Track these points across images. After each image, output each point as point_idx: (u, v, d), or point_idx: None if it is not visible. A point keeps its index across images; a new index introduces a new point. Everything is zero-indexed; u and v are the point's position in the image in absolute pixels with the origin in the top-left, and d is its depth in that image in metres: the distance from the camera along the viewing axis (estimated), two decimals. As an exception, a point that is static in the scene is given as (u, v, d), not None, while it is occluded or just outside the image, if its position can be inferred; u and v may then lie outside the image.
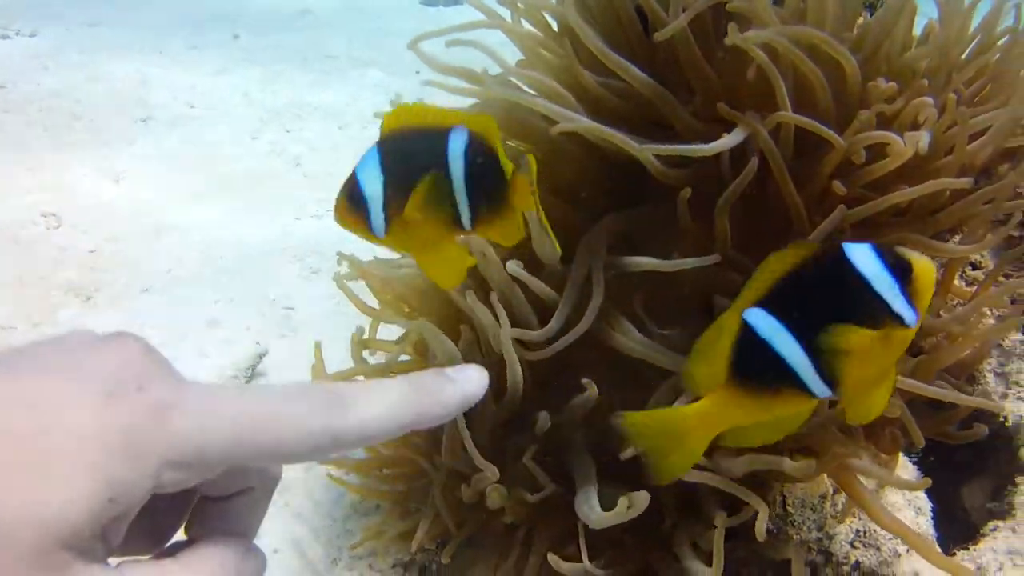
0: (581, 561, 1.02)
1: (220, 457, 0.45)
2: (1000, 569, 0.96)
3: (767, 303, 0.81)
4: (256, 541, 0.51)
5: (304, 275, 2.37)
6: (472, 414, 1.18)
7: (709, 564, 0.97)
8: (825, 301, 0.81)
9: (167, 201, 2.72)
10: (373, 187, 0.87)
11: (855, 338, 0.79)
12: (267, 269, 2.39)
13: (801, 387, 0.82)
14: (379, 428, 0.48)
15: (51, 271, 2.37)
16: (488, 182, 0.88)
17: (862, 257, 0.79)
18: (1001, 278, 1.10)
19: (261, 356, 1.96)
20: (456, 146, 0.86)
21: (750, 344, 0.81)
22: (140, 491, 0.43)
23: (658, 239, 1.23)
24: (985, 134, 1.07)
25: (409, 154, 0.88)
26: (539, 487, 1.10)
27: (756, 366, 0.82)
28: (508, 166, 0.89)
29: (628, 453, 1.02)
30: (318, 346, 1.43)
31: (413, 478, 1.28)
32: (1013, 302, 1.08)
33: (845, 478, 1.00)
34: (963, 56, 1.12)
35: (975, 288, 1.08)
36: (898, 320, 0.79)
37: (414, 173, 0.86)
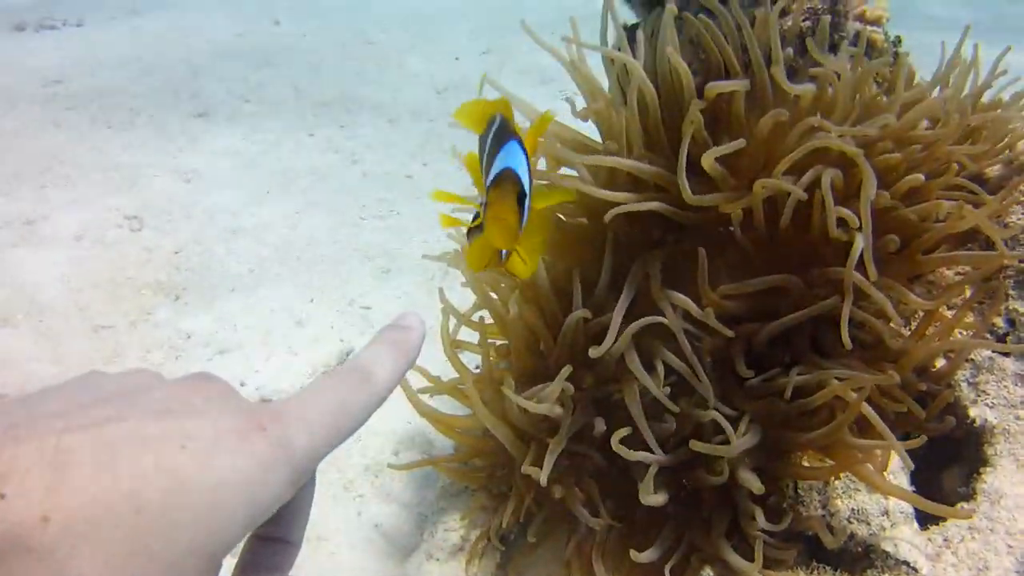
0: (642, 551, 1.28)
1: (321, 457, 0.52)
2: (962, 540, 1.24)
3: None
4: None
5: (375, 274, 2.51)
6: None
7: (743, 555, 1.25)
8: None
9: (237, 200, 2.84)
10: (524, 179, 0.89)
11: None
12: (340, 269, 2.52)
13: None
14: (393, 383, 0.57)
15: (139, 272, 2.48)
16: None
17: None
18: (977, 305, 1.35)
19: (347, 353, 2.13)
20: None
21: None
22: (270, 513, 0.48)
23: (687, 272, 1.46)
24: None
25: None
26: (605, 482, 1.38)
27: None
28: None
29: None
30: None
31: (495, 467, 1.55)
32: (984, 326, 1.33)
33: (857, 470, 1.26)
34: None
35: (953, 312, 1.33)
36: None
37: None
